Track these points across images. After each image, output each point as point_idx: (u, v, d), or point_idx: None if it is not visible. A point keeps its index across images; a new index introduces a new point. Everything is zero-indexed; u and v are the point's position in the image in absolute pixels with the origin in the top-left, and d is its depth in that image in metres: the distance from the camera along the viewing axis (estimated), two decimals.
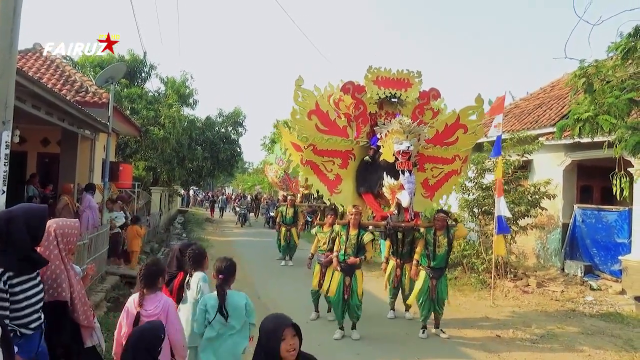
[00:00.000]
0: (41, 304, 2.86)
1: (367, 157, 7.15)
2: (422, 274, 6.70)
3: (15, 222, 2.73)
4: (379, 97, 7.29)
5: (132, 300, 3.34)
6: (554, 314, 8.05)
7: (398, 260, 7.34)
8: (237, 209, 26.41)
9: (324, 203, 12.65)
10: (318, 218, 13.46)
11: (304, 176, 7.31)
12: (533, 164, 11.97)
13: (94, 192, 10.00)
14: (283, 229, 12.31)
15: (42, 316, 2.88)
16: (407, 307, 7.51)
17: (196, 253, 4.03)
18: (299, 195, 15.99)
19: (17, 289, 2.72)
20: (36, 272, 2.85)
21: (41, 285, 2.88)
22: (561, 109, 12.13)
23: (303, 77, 6.90)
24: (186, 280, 4.02)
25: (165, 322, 3.09)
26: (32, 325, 2.78)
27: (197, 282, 3.88)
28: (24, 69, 9.04)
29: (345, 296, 6.33)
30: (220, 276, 3.65)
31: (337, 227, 6.66)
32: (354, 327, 6.45)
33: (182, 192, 31.76)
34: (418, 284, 6.72)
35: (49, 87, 8.46)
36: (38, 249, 2.94)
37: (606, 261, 10.47)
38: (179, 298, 4.10)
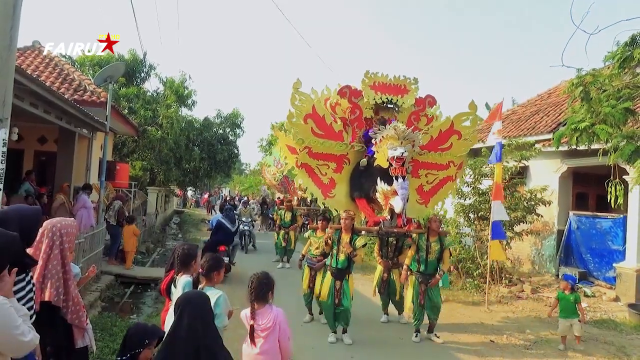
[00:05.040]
0: (30, 303, 2.82)
1: (363, 160, 7.17)
2: (411, 278, 6.72)
3: (8, 224, 2.66)
4: (375, 102, 7.32)
5: (244, 315, 3.49)
6: (547, 320, 8.07)
7: (386, 261, 7.31)
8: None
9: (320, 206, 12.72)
10: (313, 222, 13.49)
11: (299, 179, 7.34)
12: (529, 170, 12.02)
13: (90, 192, 10.00)
14: (282, 232, 12.38)
15: (32, 318, 2.83)
16: (400, 311, 7.52)
17: (184, 253, 3.81)
18: (296, 198, 16.02)
19: None
20: (24, 274, 2.76)
21: (30, 286, 2.81)
22: (558, 116, 12.18)
23: (301, 80, 6.92)
24: (174, 280, 3.88)
25: (278, 332, 3.36)
26: None
27: (183, 287, 3.63)
28: (22, 67, 9.03)
29: (336, 300, 6.29)
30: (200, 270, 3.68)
31: (328, 232, 6.66)
32: (344, 332, 6.44)
33: (178, 192, 31.79)
34: (409, 290, 6.73)
35: (47, 85, 8.45)
36: (41, 249, 2.91)
37: (600, 268, 10.52)
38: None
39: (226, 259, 9.35)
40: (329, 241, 6.43)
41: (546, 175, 11.49)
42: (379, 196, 6.74)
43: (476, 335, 7.05)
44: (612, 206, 6.03)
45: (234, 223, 10.60)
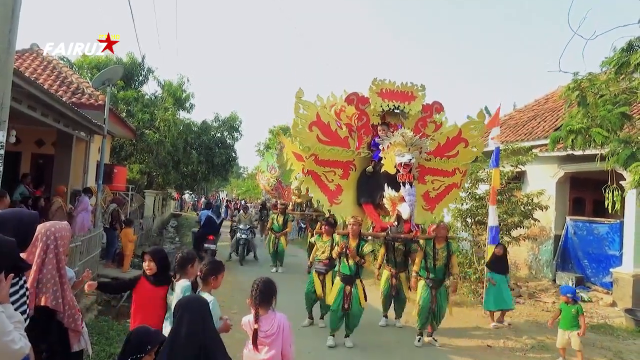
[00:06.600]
0: (24, 308, 2.79)
1: (369, 167, 7.18)
2: (422, 283, 6.75)
3: (4, 227, 2.59)
4: (383, 109, 7.34)
5: (247, 320, 3.46)
6: (545, 325, 8.07)
7: (393, 270, 7.36)
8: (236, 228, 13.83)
9: (317, 211, 12.67)
10: (310, 226, 13.41)
11: (305, 186, 7.33)
12: (526, 175, 12.05)
13: (91, 196, 9.99)
14: (272, 236, 12.17)
15: (25, 322, 2.80)
16: (399, 315, 7.52)
17: (182, 258, 3.80)
18: (291, 204, 15.96)
19: None
20: (18, 279, 2.69)
21: (23, 291, 2.77)
22: (555, 122, 12.24)
23: (303, 88, 6.97)
24: (171, 284, 3.85)
25: (281, 339, 3.36)
26: None
27: (182, 291, 3.58)
28: (20, 70, 9.03)
29: (346, 305, 6.30)
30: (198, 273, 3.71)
31: (336, 237, 6.68)
32: (347, 335, 6.44)
33: (175, 195, 31.68)
34: (419, 294, 6.76)
35: (46, 88, 8.44)
36: (35, 253, 2.89)
37: (597, 273, 10.54)
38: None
39: (213, 247, 11.62)
40: (340, 249, 6.39)
41: (543, 180, 11.52)
42: (386, 202, 6.74)
43: (473, 339, 7.06)
44: (610, 211, 6.05)
45: (219, 217, 14.27)
